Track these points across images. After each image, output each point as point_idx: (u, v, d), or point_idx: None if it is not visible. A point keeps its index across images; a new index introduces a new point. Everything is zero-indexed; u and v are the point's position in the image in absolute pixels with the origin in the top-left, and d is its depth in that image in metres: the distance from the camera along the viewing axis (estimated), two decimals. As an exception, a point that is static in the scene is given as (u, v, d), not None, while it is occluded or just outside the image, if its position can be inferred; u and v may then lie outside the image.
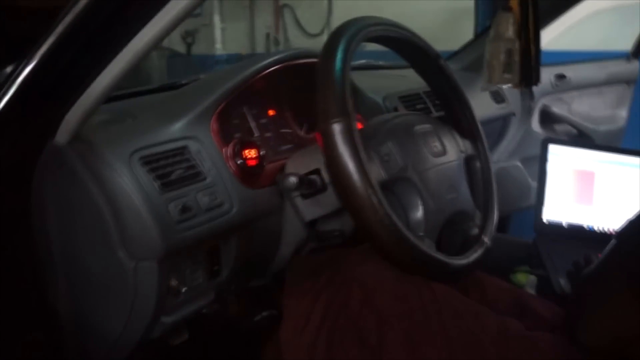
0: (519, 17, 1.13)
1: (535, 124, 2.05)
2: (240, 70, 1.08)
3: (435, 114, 1.43)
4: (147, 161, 0.88)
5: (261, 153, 1.03)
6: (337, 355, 0.83)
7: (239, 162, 1.00)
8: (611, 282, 0.84)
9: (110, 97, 1.12)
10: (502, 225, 2.13)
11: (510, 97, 1.88)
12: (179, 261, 0.93)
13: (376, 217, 0.82)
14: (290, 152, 1.13)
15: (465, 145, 1.10)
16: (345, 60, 0.87)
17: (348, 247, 0.99)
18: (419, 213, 0.93)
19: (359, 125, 0.97)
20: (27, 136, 0.90)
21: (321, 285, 0.90)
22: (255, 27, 4.23)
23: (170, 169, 0.90)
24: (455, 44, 1.99)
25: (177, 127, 0.97)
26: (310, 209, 1.04)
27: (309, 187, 1.01)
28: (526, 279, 1.31)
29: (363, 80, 1.35)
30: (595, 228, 1.45)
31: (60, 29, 0.79)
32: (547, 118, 2.06)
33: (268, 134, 1.18)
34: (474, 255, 0.98)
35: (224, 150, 1.00)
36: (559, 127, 2.09)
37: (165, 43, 4.64)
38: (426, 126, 1.03)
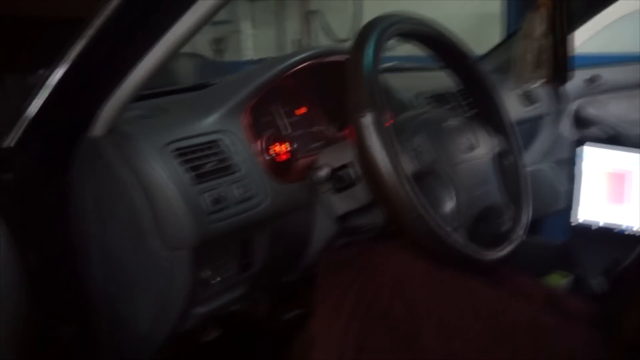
0: (549, 15, 1.12)
1: (569, 126, 2.01)
2: (270, 67, 1.09)
3: (466, 113, 1.42)
4: (180, 153, 0.90)
5: (292, 148, 1.04)
6: (369, 347, 0.83)
7: (269, 156, 1.01)
8: None
9: (144, 95, 1.16)
10: (535, 229, 2.10)
11: (543, 99, 1.86)
12: (211, 252, 0.94)
13: (408, 208, 0.82)
14: (321, 150, 1.13)
15: (498, 141, 1.09)
16: (376, 54, 0.87)
17: (380, 240, 0.99)
18: (451, 206, 0.92)
19: (390, 121, 0.98)
20: (65, 130, 0.93)
21: (352, 277, 0.89)
22: (285, 33, 4.25)
23: (203, 161, 0.91)
24: (483, 49, 1.98)
25: (209, 121, 0.98)
26: (341, 203, 1.04)
27: (340, 181, 1.01)
28: (561, 282, 1.29)
29: (394, 80, 1.35)
30: (631, 228, 1.42)
31: (91, 32, 0.82)
32: (581, 120, 2.02)
33: (299, 132, 1.19)
34: (508, 248, 0.97)
35: (254, 145, 1.01)
36: (594, 129, 2.05)
37: (194, 50, 4.71)
38: (458, 121, 1.02)
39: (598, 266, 1.28)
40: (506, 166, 1.10)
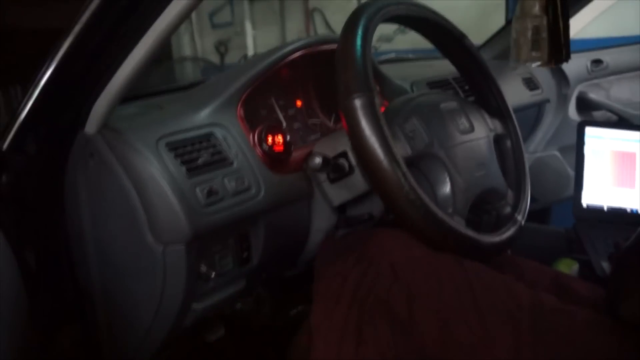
0: (546, -7, 1.10)
1: (572, 111, 1.99)
2: (264, 58, 1.09)
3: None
4: (173, 147, 0.90)
5: (287, 139, 1.03)
6: (368, 333, 0.82)
7: (265, 147, 1.00)
8: None
9: (140, 94, 1.16)
10: (543, 217, 2.09)
11: (544, 84, 1.84)
12: (207, 246, 0.93)
13: (402, 191, 0.81)
14: (319, 139, 1.13)
15: (495, 124, 1.07)
16: (365, 37, 0.86)
17: (377, 228, 0.98)
18: (447, 189, 0.91)
19: (383, 108, 0.97)
20: (57, 130, 0.93)
21: (350, 265, 0.88)
22: (286, 32, 4.26)
23: (196, 155, 0.91)
24: (486, 39, 1.96)
25: (203, 115, 0.98)
26: (338, 193, 1.03)
27: (337, 170, 1.00)
28: (570, 269, 1.27)
29: (391, 70, 1.34)
30: (636, 211, 1.40)
31: (78, 27, 0.82)
32: (585, 105, 2.00)
33: (296, 125, 1.18)
34: (507, 233, 0.96)
35: (250, 136, 1.01)
36: (598, 114, 2.03)
37: (199, 53, 4.73)
38: (452, 104, 1.01)
39: (604, 251, 1.26)
40: (504, 150, 1.09)
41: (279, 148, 1.02)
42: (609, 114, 2.02)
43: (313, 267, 0.98)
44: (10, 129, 0.91)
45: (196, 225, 0.86)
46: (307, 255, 1.13)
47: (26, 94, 0.89)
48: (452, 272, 0.83)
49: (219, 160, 0.93)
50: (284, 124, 1.15)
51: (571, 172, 1.91)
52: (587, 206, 1.44)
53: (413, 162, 0.90)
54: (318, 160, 0.96)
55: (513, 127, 1.09)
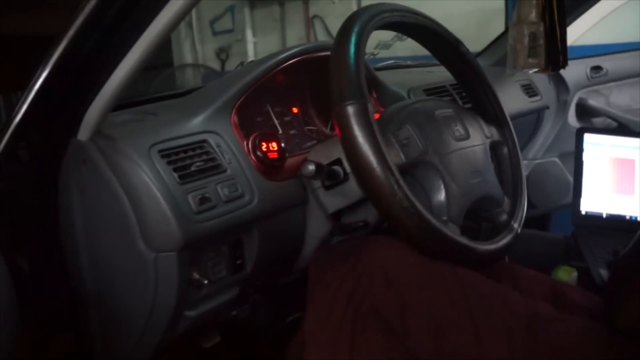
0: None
1: (572, 118, 1.99)
2: (259, 65, 1.08)
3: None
4: (166, 154, 0.89)
5: (282, 146, 1.02)
6: (361, 342, 0.81)
7: (259, 154, 0.99)
8: None
9: (138, 101, 1.16)
10: (543, 224, 2.08)
11: (544, 91, 1.84)
12: (200, 254, 0.92)
13: (395, 199, 0.80)
14: (314, 146, 1.12)
15: (491, 131, 1.06)
16: (358, 44, 0.86)
17: (371, 236, 0.97)
18: (442, 197, 0.90)
19: (379, 116, 0.96)
20: (51, 136, 0.93)
21: (343, 274, 0.88)
22: (286, 39, 4.26)
23: (189, 162, 0.91)
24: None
25: (196, 122, 0.97)
26: (333, 200, 1.02)
27: (331, 177, 1.00)
28: (568, 276, 1.26)
29: (387, 76, 1.34)
30: (635, 218, 1.39)
31: (71, 31, 0.82)
32: (584, 111, 2.00)
33: (292, 132, 1.17)
34: (503, 241, 0.95)
35: (244, 143, 1.00)
36: (597, 120, 2.03)
37: (200, 61, 4.75)
38: (448, 110, 1.00)
39: (602, 258, 1.25)
40: (501, 157, 1.08)
41: (273, 155, 1.01)
42: (608, 121, 2.01)
43: (307, 275, 0.97)
44: (3, 136, 0.91)
45: (188, 233, 0.86)
46: (302, 262, 1.12)
47: (18, 101, 0.89)
48: (446, 281, 0.82)
49: (212, 167, 0.92)
50: (280, 131, 1.14)
51: (570, 179, 1.90)
52: (586, 213, 1.43)
53: (407, 170, 0.89)
54: (311, 167, 0.96)
55: (510, 133, 1.08)
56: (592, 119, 2.03)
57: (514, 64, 1.13)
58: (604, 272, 1.20)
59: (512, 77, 1.70)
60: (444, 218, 0.88)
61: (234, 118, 1.02)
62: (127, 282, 0.92)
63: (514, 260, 1.08)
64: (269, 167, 1.00)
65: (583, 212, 1.43)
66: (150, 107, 1.10)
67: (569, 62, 1.19)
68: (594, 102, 1.98)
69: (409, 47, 1.08)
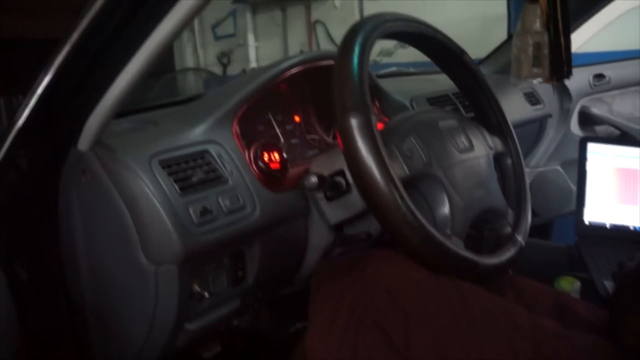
0: (546, 8, 1.09)
1: (574, 126, 1.98)
2: (261, 74, 1.08)
3: (465, 115, 1.40)
4: (167, 165, 0.88)
5: (284, 156, 1.02)
6: (364, 356, 0.80)
7: (261, 165, 0.99)
8: None
9: (138, 109, 1.15)
10: (545, 232, 2.07)
11: (546, 99, 1.82)
12: (201, 266, 0.92)
13: (399, 213, 0.79)
14: (316, 157, 1.11)
15: (495, 142, 1.06)
16: (362, 55, 0.85)
17: (374, 248, 0.96)
18: (445, 210, 0.89)
19: (382, 126, 0.95)
20: (51, 145, 0.92)
21: (346, 287, 0.87)
22: (288, 44, 4.26)
23: (190, 173, 0.90)
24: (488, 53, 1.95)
25: (197, 132, 0.96)
26: (335, 211, 1.01)
27: (333, 188, 0.99)
28: (571, 286, 1.25)
29: (390, 84, 1.33)
30: (639, 229, 1.38)
31: (74, 37, 0.81)
32: (587, 119, 1.99)
33: (294, 140, 1.17)
34: (507, 254, 0.94)
35: (246, 153, 0.99)
36: (600, 129, 2.02)
37: (202, 65, 4.75)
38: (451, 122, 0.99)
39: (606, 269, 1.24)
40: (504, 168, 1.07)
41: (275, 165, 1.00)
42: (611, 129, 2.00)
43: (309, 286, 0.96)
44: (3, 144, 0.90)
45: (189, 246, 0.85)
46: (303, 274, 1.11)
47: (18, 108, 0.88)
48: (450, 295, 0.81)
49: (214, 179, 0.92)
50: (282, 140, 1.13)
51: (573, 187, 1.90)
52: (590, 223, 1.42)
53: (411, 183, 0.88)
54: (314, 179, 0.95)
55: (514, 144, 1.07)
56: (594, 127, 2.02)
57: (518, 74, 1.12)
58: (608, 284, 1.19)
59: (514, 86, 1.69)
60: (448, 232, 0.87)
61: (236, 128, 1.01)
62: (127, 295, 0.91)
63: (517, 268, 1.07)
64: (270, 178, 1.00)
65: (586, 222, 1.42)
66: (151, 116, 1.09)
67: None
68: (596, 110, 1.97)
69: (410, 53, 1.08)
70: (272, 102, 1.12)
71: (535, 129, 1.85)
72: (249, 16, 4.34)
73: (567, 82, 1.89)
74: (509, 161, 1.07)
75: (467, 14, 3.23)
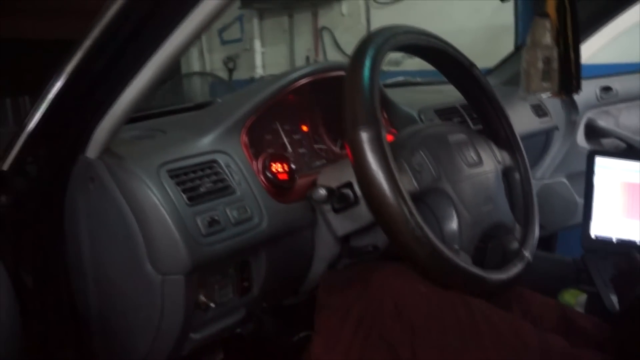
0: (556, 23, 1.09)
1: (580, 138, 1.98)
2: (270, 84, 1.08)
3: (472, 127, 1.39)
4: (175, 174, 0.88)
5: (292, 167, 1.02)
6: None
7: (269, 175, 0.98)
8: None
9: (146, 115, 1.15)
10: (549, 244, 2.06)
11: (553, 111, 1.82)
12: (207, 276, 0.91)
13: (407, 228, 0.79)
14: (324, 168, 1.11)
15: (503, 156, 1.05)
16: (373, 68, 0.85)
17: (381, 262, 0.96)
18: (454, 225, 0.89)
19: (391, 138, 0.95)
20: (59, 152, 0.92)
21: (352, 300, 0.86)
22: (294, 50, 4.26)
23: (198, 182, 0.90)
24: (496, 62, 1.95)
25: (206, 141, 0.96)
26: (342, 223, 1.01)
27: (341, 200, 0.98)
28: (575, 299, 1.25)
29: (398, 95, 1.33)
30: (645, 243, 1.37)
31: (86, 44, 0.81)
32: (593, 132, 1.98)
33: (302, 150, 1.17)
34: (514, 270, 0.93)
35: (254, 164, 0.99)
36: (606, 141, 2.01)
37: (208, 69, 4.75)
38: (460, 136, 0.99)
39: (611, 284, 1.24)
40: (512, 183, 1.06)
41: (283, 176, 1.00)
42: (617, 142, 2.00)
43: (315, 297, 0.96)
44: (12, 150, 0.90)
45: (196, 256, 0.85)
46: (308, 284, 1.11)
47: (28, 114, 0.88)
48: (457, 311, 0.81)
49: (222, 189, 0.91)
50: (289, 149, 1.13)
51: (578, 199, 1.89)
52: (596, 237, 1.41)
53: (419, 197, 0.88)
54: (322, 192, 0.95)
55: (522, 159, 1.07)
56: (600, 140, 2.01)
57: (528, 88, 1.12)
58: (614, 298, 1.19)
59: (523, 100, 1.69)
60: (456, 247, 0.87)
61: (244, 138, 1.01)
62: (133, 304, 0.91)
63: (522, 280, 1.07)
64: (278, 189, 1.00)
65: (593, 236, 1.42)
66: (159, 123, 1.09)
67: (579, 82, 1.19)
68: (603, 122, 1.96)
69: (416, 62, 1.07)
70: (280, 112, 1.12)
71: (541, 141, 1.85)
72: (255, 22, 4.35)
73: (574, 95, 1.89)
74: (517, 176, 1.07)
75: (474, 23, 3.22)
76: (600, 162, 1.43)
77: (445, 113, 1.40)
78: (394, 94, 1.29)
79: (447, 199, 0.90)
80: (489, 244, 0.94)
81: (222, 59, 4.65)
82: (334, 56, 3.98)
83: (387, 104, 1.25)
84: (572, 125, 1.93)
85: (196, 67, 4.71)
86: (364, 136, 0.80)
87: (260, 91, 1.06)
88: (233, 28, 4.55)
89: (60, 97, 0.85)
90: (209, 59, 4.80)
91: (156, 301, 0.87)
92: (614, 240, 1.40)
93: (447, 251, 0.82)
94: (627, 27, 1.86)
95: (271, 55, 4.45)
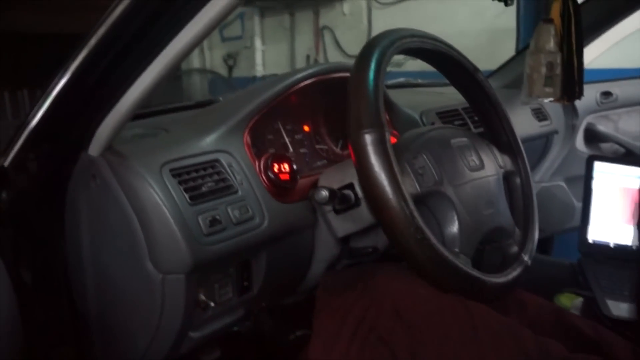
0: (560, 29, 1.09)
1: (580, 142, 1.98)
2: (274, 84, 1.08)
3: (473, 130, 1.40)
4: (177, 173, 0.88)
5: (294, 167, 1.02)
6: None
7: (271, 176, 0.99)
8: None
9: (147, 113, 1.15)
10: (545, 247, 2.07)
11: (553, 115, 1.83)
12: (208, 275, 0.91)
13: (409, 231, 0.79)
14: (325, 168, 1.11)
15: (504, 161, 1.06)
16: (378, 71, 0.85)
17: (381, 263, 0.96)
18: (455, 228, 0.89)
19: (394, 140, 0.95)
20: (61, 149, 0.92)
21: (352, 302, 0.87)
22: (295, 48, 4.26)
23: (200, 182, 0.90)
24: (496, 65, 1.96)
25: (209, 140, 0.96)
26: (343, 224, 1.02)
27: (342, 202, 0.99)
28: (571, 302, 1.25)
29: (400, 97, 1.33)
30: (643, 249, 1.38)
31: (92, 41, 0.81)
32: (593, 136, 1.99)
33: (303, 150, 1.17)
34: (513, 273, 0.94)
35: (256, 164, 0.99)
36: (605, 146, 2.02)
37: (208, 66, 4.75)
38: (463, 140, 1.00)
39: (609, 288, 1.24)
40: (513, 187, 1.07)
41: (285, 176, 1.00)
42: (616, 147, 2.00)
43: (313, 297, 0.96)
44: (13, 146, 0.90)
45: (197, 256, 0.85)
46: (307, 284, 1.11)
47: (31, 111, 0.88)
48: (457, 314, 0.81)
49: (224, 188, 0.91)
50: (290, 149, 1.13)
51: (576, 203, 1.90)
52: (593, 242, 1.42)
53: (421, 200, 0.88)
54: (325, 193, 0.95)
55: (523, 164, 1.08)
56: (600, 145, 2.02)
57: (530, 93, 1.12)
58: (611, 303, 1.20)
59: (524, 105, 1.70)
60: (456, 250, 0.88)
61: (247, 138, 1.01)
62: (133, 302, 0.91)
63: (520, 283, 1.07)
64: (279, 189, 1.00)
65: (590, 240, 1.42)
66: (162, 121, 1.09)
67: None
68: (602, 127, 1.97)
69: (417, 63, 1.08)
70: (282, 112, 1.12)
71: (541, 144, 1.86)
72: (256, 19, 4.35)
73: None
74: (518, 180, 1.07)
75: (476, 25, 3.23)
76: (599, 167, 1.44)
77: (447, 115, 1.40)
78: (395, 95, 1.29)
79: (449, 202, 0.90)
80: (489, 248, 0.95)
81: (222, 56, 4.65)
82: (334, 55, 3.99)
83: (389, 106, 1.25)
84: (571, 130, 1.94)
85: (196, 63, 4.71)
86: (368, 138, 0.81)
87: (263, 91, 1.06)
88: (234, 25, 4.55)
89: (64, 94, 0.85)
90: (209, 56, 4.80)
91: (156, 300, 0.87)
92: (611, 245, 1.40)
93: (447, 254, 0.82)
94: (628, 33, 1.86)
95: (271, 53, 4.45)
